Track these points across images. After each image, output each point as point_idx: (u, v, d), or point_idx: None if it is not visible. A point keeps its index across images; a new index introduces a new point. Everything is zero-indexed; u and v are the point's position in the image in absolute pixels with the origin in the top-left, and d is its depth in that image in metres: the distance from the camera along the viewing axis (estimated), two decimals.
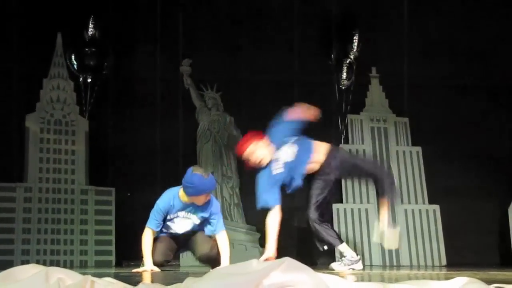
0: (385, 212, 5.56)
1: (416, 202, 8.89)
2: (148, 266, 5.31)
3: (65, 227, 8.35)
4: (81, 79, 8.72)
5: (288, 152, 5.58)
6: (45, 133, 8.52)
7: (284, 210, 5.53)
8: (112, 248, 8.43)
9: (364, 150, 9.13)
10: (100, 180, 8.61)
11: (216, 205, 5.56)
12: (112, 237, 8.44)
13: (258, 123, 8.98)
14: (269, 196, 5.41)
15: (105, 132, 8.82)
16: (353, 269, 5.46)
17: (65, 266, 7.73)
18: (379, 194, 5.63)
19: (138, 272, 5.09)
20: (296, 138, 5.68)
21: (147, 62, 8.96)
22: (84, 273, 2.31)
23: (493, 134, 9.18)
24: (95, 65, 8.70)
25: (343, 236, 8.68)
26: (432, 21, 9.34)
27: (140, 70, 8.98)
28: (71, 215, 8.40)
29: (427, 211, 8.83)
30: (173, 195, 5.46)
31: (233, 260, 8.36)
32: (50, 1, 8.62)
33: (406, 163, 9.12)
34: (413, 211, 8.78)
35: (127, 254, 8.34)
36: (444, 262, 8.64)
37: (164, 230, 5.61)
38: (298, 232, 8.87)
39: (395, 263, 8.62)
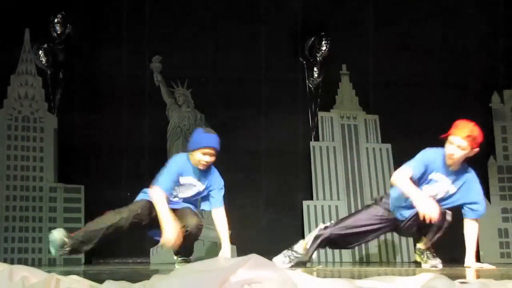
0: None
1: None
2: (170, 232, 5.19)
3: (33, 225, 8.26)
4: (49, 73, 8.62)
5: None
6: (12, 130, 8.42)
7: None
8: None
9: (334, 147, 9.18)
10: (69, 178, 8.53)
11: (218, 177, 5.59)
12: None
13: (229, 120, 9.05)
14: None
15: (74, 129, 8.74)
16: None
17: (33, 264, 7.65)
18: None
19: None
20: None
21: (115, 58, 8.88)
22: (52, 271, 2.28)
23: None
24: (63, 61, 8.62)
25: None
26: (403, 18, 9.40)
27: (108, 66, 8.91)
28: (40, 212, 8.31)
29: None
30: (186, 156, 5.56)
31: (204, 257, 8.36)
32: None
33: (376, 160, 9.18)
34: None
35: (96, 251, 8.27)
36: (413, 258, 8.71)
37: None
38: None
39: (364, 260, 8.68)
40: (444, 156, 5.40)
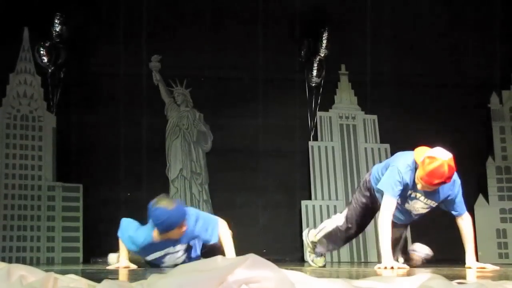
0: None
1: None
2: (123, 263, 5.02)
3: (32, 223, 8.25)
4: (49, 71, 8.61)
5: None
6: (11, 129, 8.42)
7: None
8: (80, 245, 8.35)
9: (332, 147, 9.18)
10: (67, 177, 8.53)
11: (198, 223, 4.86)
12: (80, 234, 8.37)
13: (227, 119, 9.06)
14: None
15: (73, 128, 8.74)
16: None
17: (31, 263, 7.65)
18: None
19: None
20: None
21: (113, 58, 8.89)
22: (50, 270, 2.28)
23: (461, 131, 9.27)
24: (65, 60, 8.62)
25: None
26: (402, 19, 9.41)
27: (107, 66, 8.90)
28: (38, 211, 8.31)
29: None
30: (144, 237, 4.86)
31: None
32: None
33: (375, 160, 9.18)
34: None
35: (95, 251, 8.28)
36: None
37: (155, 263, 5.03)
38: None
39: (363, 260, 8.67)
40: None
